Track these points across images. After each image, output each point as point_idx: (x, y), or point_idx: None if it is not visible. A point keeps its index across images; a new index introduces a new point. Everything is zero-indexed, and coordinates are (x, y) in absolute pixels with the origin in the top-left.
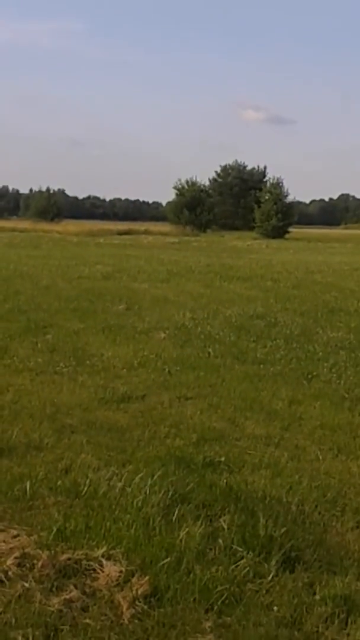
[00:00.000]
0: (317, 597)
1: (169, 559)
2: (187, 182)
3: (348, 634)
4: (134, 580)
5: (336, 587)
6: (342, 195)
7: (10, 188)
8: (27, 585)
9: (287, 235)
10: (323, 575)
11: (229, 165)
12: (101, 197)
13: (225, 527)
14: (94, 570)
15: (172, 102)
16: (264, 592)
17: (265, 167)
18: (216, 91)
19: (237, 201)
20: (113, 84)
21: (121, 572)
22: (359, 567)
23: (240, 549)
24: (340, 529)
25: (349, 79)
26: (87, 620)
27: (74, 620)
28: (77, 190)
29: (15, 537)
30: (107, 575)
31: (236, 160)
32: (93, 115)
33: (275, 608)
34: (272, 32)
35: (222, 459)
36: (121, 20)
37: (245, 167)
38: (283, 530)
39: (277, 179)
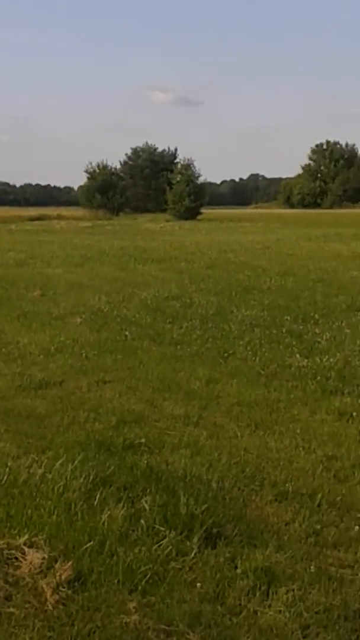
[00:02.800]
0: (239, 571)
1: (91, 542)
2: (98, 165)
3: (270, 605)
4: (57, 566)
5: (257, 560)
6: (252, 175)
7: None
8: None
9: (199, 216)
10: (244, 549)
11: (140, 147)
12: (11, 183)
13: (147, 507)
14: (16, 558)
15: (79, 86)
16: (187, 569)
17: (176, 149)
18: (123, 74)
19: (149, 183)
20: (19, 69)
21: (44, 558)
22: (278, 539)
23: (163, 529)
24: (259, 502)
25: (255, 59)
26: (11, 609)
27: None
28: None
29: None
30: (30, 562)
31: (146, 143)
32: None
33: (198, 584)
34: (177, 14)
35: (142, 440)
36: (26, 2)
37: (155, 149)
38: (204, 507)
39: (188, 160)
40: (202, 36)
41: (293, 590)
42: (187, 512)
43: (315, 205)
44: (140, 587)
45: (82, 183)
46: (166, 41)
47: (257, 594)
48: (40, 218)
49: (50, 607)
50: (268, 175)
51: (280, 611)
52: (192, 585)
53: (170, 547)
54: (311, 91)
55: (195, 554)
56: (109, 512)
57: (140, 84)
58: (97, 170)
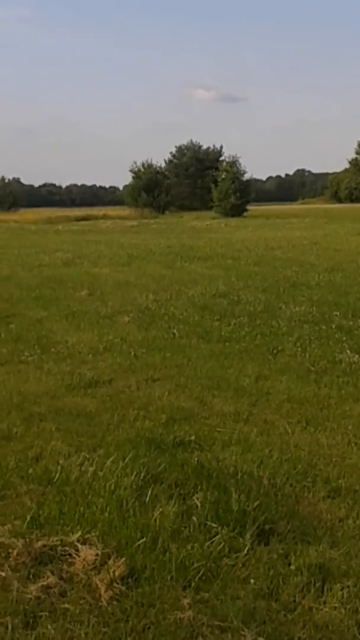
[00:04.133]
0: (293, 567)
1: (144, 539)
2: (143, 164)
3: (324, 602)
4: (110, 562)
5: (311, 557)
6: (298, 170)
7: None
8: (3, 574)
9: (245, 213)
10: (297, 545)
11: (184, 145)
12: (57, 184)
13: (199, 504)
14: (70, 555)
15: (123, 86)
16: (240, 565)
17: (221, 146)
18: (166, 73)
19: (194, 181)
20: (64, 71)
21: (97, 555)
22: (331, 535)
23: (215, 525)
24: (312, 499)
25: (299, 53)
26: (66, 605)
27: (52, 606)
28: (33, 178)
29: None
30: (84, 559)
31: (191, 141)
32: (45, 103)
33: (252, 581)
34: (216, 11)
35: (192, 437)
36: (66, 5)
37: (200, 147)
38: (256, 504)
39: (233, 157)
40: (244, 32)
41: (348, 586)
42: (239, 509)
43: None
44: (193, 584)
45: (127, 182)
46: (207, 39)
47: (312, 591)
48: (86, 218)
49: (105, 603)
50: (314, 171)
51: (335, 608)
52: (245, 581)
53: (223, 544)
54: (358, 84)
55: (248, 550)
56: (160, 509)
57: (182, 82)
58: (142, 170)
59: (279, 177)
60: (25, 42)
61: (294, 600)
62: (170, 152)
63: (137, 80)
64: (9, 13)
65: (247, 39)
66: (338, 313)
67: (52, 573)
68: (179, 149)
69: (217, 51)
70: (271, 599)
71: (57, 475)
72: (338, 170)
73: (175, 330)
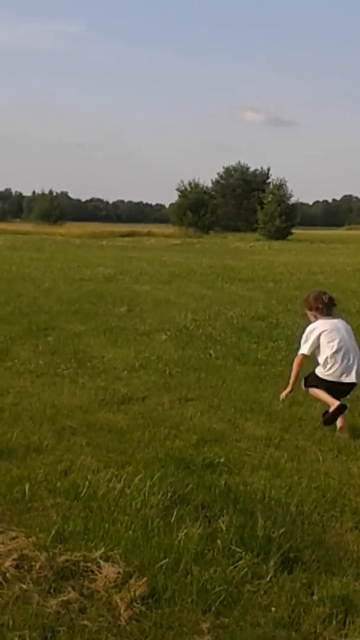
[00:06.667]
0: (315, 597)
1: (167, 560)
2: (189, 183)
3: (346, 635)
4: (131, 581)
5: (334, 588)
6: (345, 196)
7: (14, 191)
8: (24, 587)
9: (289, 237)
10: (321, 575)
11: (232, 166)
12: (104, 200)
13: (224, 528)
14: (92, 571)
15: (172, 104)
16: (262, 592)
17: (268, 169)
18: (215, 93)
19: (240, 203)
20: (114, 87)
21: (119, 573)
22: (357, 567)
23: (239, 550)
24: (339, 529)
25: (350, 78)
26: (85, 622)
27: (71, 621)
28: (80, 192)
29: (13, 539)
30: (105, 576)
31: (239, 162)
32: (95, 118)
33: (273, 609)
34: (270, 33)
35: (222, 460)
36: (120, 21)
37: (248, 168)
38: (282, 531)
39: (281, 180)
40: (295, 56)
41: None
42: (264, 535)
43: None
44: (214, 608)
45: (173, 201)
46: (259, 61)
47: (334, 622)
48: (130, 234)
49: (124, 622)
50: None
51: None
52: (266, 609)
53: (246, 569)
54: None
55: (271, 577)
56: (185, 531)
57: (232, 104)
58: (189, 189)
59: (325, 202)
60: (77, 56)
61: (315, 631)
62: (218, 173)
63: (186, 99)
64: (63, 27)
65: (299, 62)
66: None
67: (73, 589)
68: (227, 170)
69: (267, 74)
70: (292, 629)
71: (85, 490)
72: None
73: (211, 351)
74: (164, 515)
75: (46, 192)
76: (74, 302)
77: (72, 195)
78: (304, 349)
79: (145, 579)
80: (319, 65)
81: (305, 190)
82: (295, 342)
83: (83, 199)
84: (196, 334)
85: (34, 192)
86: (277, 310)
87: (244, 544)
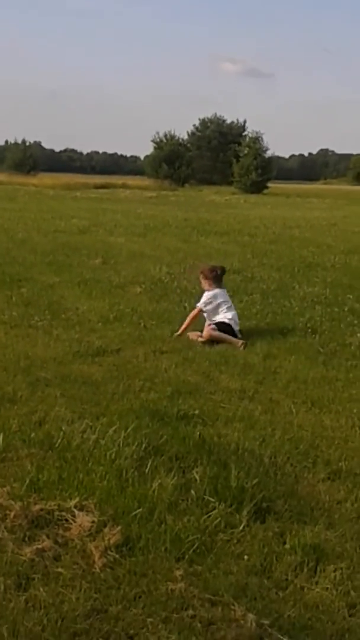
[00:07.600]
0: (287, 546)
1: (141, 509)
2: (165, 135)
3: (317, 582)
4: (106, 530)
5: (306, 537)
6: (322, 150)
7: None
8: None
9: (265, 191)
10: (293, 525)
11: (208, 118)
12: (78, 150)
13: (198, 478)
14: (67, 520)
15: (150, 53)
16: (235, 541)
17: (244, 121)
18: (193, 44)
19: (216, 155)
20: (90, 36)
21: (93, 522)
22: (328, 517)
23: (212, 500)
24: (311, 480)
25: (328, 32)
26: (59, 569)
27: (45, 569)
28: (54, 143)
29: None
30: (80, 525)
31: (215, 114)
32: (70, 67)
33: (245, 557)
34: None
35: (196, 412)
36: None
37: (224, 120)
38: (255, 481)
39: (257, 133)
40: (275, 8)
41: (341, 568)
42: (237, 485)
43: None
44: (187, 556)
45: (148, 152)
46: (239, 12)
47: (305, 570)
48: (105, 186)
49: (98, 570)
50: (338, 151)
51: (327, 589)
52: (239, 557)
53: (219, 519)
54: None
55: (244, 527)
56: (159, 481)
57: (210, 53)
58: (164, 140)
59: (301, 155)
60: (51, 2)
61: (287, 579)
62: (194, 125)
63: (163, 50)
64: None
65: (278, 15)
66: (351, 296)
67: (48, 537)
68: (203, 122)
69: (248, 25)
70: (263, 576)
71: (59, 441)
72: None
73: (186, 304)
74: (138, 465)
75: (19, 141)
76: (48, 254)
77: (46, 145)
78: (203, 306)
79: (119, 527)
80: (298, 18)
81: (282, 143)
82: (269, 297)
83: (57, 149)
84: (171, 287)
85: (6, 142)
86: (252, 264)
87: (218, 494)
